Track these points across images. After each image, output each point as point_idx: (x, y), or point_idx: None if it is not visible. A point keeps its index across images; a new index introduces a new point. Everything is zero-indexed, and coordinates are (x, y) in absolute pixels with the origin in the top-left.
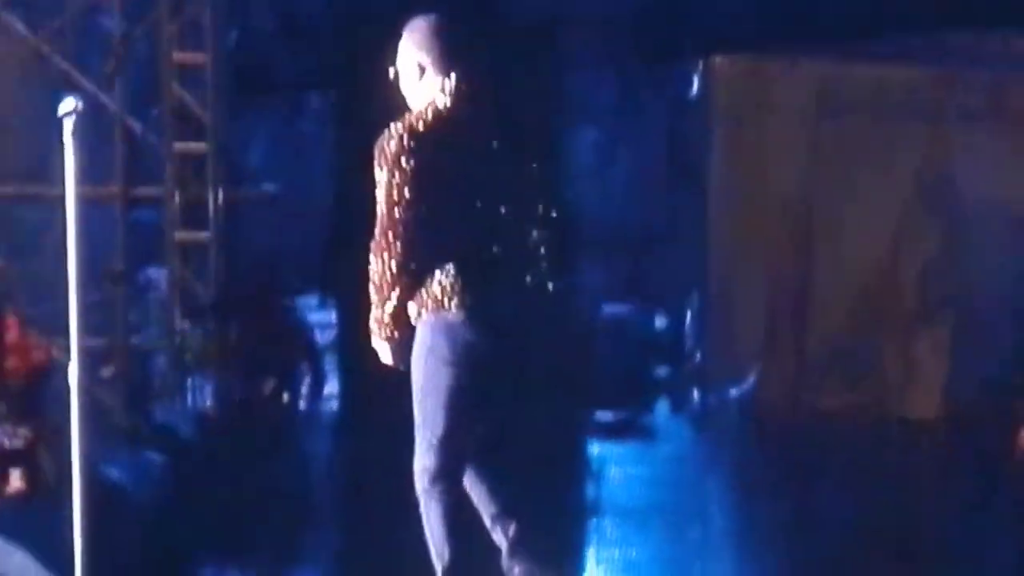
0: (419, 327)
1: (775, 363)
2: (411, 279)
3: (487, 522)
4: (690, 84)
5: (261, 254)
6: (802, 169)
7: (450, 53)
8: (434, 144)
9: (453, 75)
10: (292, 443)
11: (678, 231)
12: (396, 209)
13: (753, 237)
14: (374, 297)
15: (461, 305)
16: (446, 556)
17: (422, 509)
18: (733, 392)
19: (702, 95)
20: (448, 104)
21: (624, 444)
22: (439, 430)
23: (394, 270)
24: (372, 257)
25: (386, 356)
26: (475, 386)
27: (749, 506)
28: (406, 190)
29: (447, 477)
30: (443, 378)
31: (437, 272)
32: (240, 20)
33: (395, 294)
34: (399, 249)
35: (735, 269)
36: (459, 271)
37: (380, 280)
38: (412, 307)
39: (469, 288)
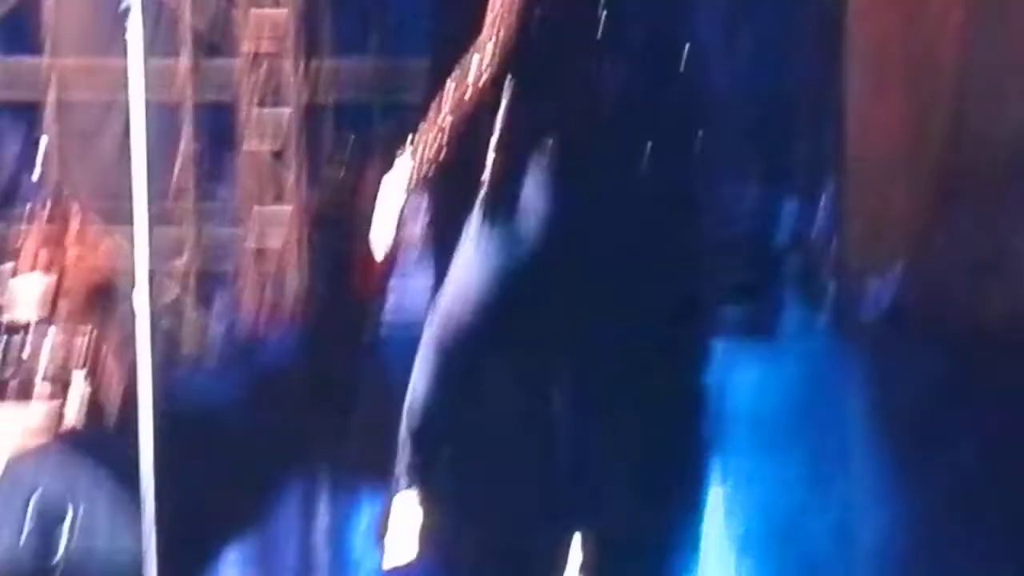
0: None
1: (924, 256)
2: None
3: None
4: None
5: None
6: (958, 26)
7: None
8: None
9: None
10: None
11: (809, 101)
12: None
13: (898, 106)
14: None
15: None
16: None
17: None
18: (875, 286)
19: None
20: None
21: (752, 340)
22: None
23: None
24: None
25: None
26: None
27: (895, 420)
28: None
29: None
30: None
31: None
32: None
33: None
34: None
35: (876, 144)
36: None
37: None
38: None
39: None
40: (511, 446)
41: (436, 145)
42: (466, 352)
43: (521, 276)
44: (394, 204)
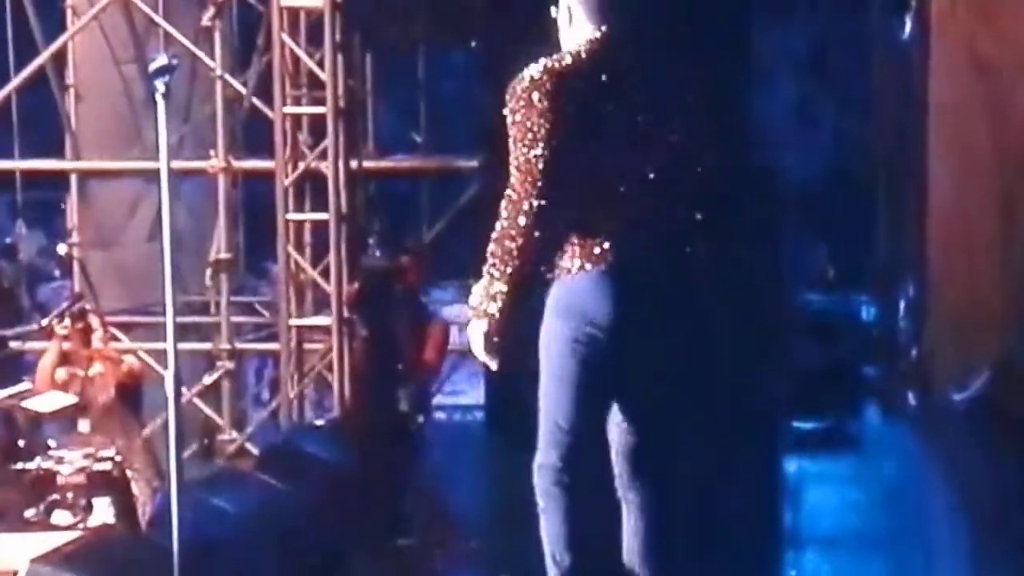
0: (553, 292)
1: (1015, 361)
2: (545, 233)
3: (631, 549)
4: (901, 24)
5: (393, 238)
6: None
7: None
8: (578, 87)
9: (603, 27)
10: (427, 462)
11: (889, 201)
12: (531, 151)
13: (986, 204)
14: (492, 262)
15: (604, 260)
16: (565, 563)
17: (540, 509)
18: (958, 396)
19: (916, 37)
20: (594, 51)
21: (826, 458)
22: (566, 415)
23: (526, 222)
24: (502, 210)
25: (481, 343)
26: (614, 362)
27: (979, 533)
28: (541, 130)
29: (572, 473)
30: (577, 350)
31: (578, 228)
32: None
33: (522, 253)
34: (534, 195)
35: (962, 246)
36: (606, 226)
37: (505, 238)
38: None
39: (617, 243)
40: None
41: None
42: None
43: (595, 388)
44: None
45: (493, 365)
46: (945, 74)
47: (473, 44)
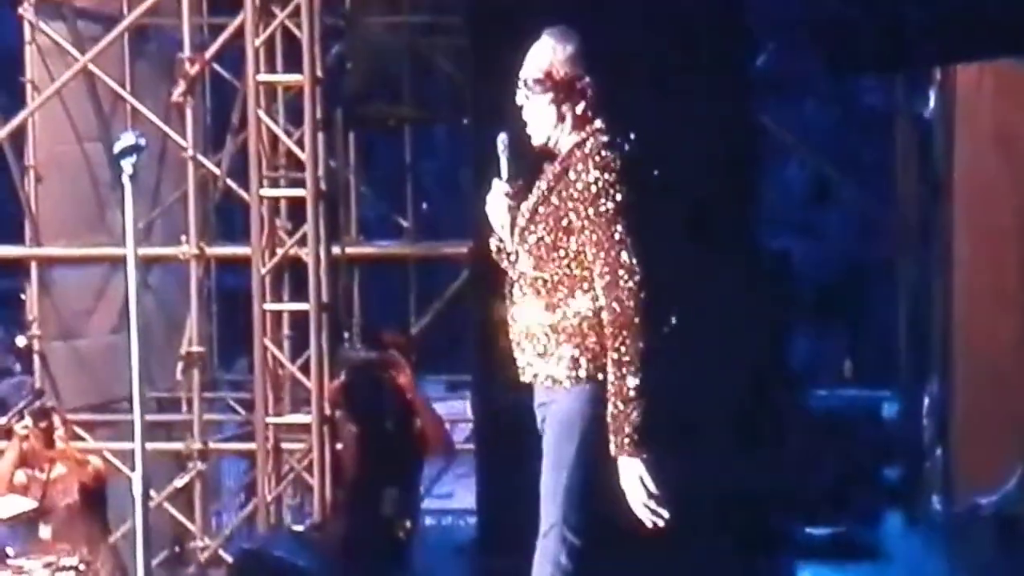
0: (585, 387)
1: None
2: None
3: None
4: (924, 100)
5: (378, 326)
6: None
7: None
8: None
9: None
10: (417, 568)
11: (912, 289)
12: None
13: (1016, 293)
14: (628, 368)
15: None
16: None
17: None
18: (986, 502)
19: (940, 114)
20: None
21: (843, 569)
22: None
23: (642, 310)
24: (613, 309)
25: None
26: None
27: None
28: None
29: None
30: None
31: None
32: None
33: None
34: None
35: (990, 337)
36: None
37: (631, 333)
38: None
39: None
40: None
41: None
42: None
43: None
44: None
45: None
46: (971, 153)
47: (464, 122)
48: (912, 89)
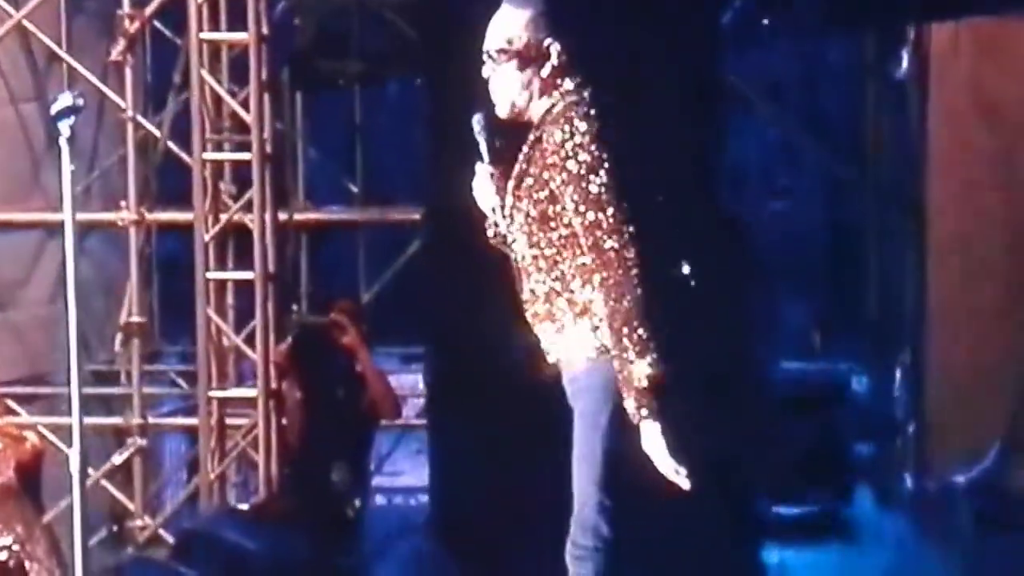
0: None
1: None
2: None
3: None
4: (896, 61)
5: (327, 295)
6: None
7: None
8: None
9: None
10: (366, 548)
11: (884, 257)
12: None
13: (994, 262)
14: (633, 339)
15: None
16: None
17: None
18: (963, 479)
19: (913, 76)
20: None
21: (812, 548)
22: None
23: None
24: (602, 272)
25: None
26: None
27: None
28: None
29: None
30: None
31: None
32: None
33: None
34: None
35: (966, 307)
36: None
37: (633, 308)
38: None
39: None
40: None
41: None
42: None
43: None
44: None
45: None
46: (946, 117)
47: (417, 82)
48: (883, 49)
